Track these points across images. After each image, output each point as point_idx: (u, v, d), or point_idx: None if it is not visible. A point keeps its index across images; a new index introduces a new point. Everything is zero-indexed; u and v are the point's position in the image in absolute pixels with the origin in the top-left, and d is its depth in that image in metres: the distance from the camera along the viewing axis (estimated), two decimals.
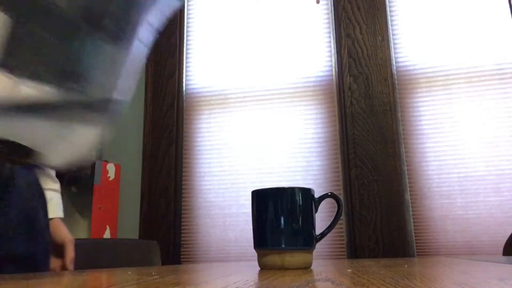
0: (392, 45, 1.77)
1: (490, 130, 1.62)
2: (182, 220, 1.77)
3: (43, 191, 0.74)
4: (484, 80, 1.66)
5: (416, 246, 1.58)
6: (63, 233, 0.77)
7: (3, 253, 0.63)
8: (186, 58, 1.94)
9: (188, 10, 1.99)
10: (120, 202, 1.77)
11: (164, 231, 1.74)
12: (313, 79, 1.81)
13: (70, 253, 0.82)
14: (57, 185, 0.78)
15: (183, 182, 1.81)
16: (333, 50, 1.81)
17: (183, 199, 1.80)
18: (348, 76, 1.75)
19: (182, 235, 1.76)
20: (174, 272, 0.50)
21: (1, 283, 0.37)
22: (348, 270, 0.46)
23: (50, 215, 0.75)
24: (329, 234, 0.58)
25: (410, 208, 1.61)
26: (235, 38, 1.91)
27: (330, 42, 1.83)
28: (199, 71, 1.92)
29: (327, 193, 0.59)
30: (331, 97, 1.78)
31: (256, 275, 0.42)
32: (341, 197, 1.65)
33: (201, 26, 1.96)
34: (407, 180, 1.64)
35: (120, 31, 0.44)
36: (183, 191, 1.81)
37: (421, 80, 1.72)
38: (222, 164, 1.79)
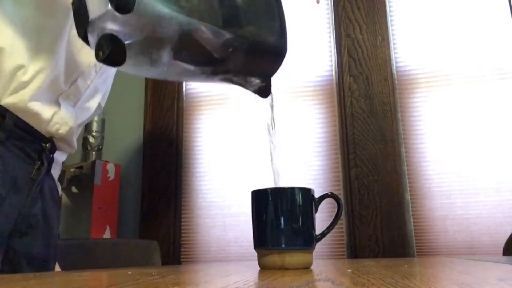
0: (392, 45, 1.77)
1: (490, 129, 1.62)
2: (182, 220, 1.77)
3: (60, 200, 0.77)
4: (484, 80, 1.66)
5: (416, 246, 1.58)
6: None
7: (21, 249, 0.65)
8: None
9: None
10: (120, 202, 1.77)
11: (164, 231, 1.74)
12: (313, 79, 1.81)
13: None
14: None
15: (183, 182, 1.81)
16: (333, 50, 1.81)
17: (183, 199, 1.80)
18: (348, 76, 1.75)
19: (182, 235, 1.76)
20: (174, 272, 0.50)
21: (1, 283, 0.37)
22: (348, 270, 0.46)
23: None
24: (329, 234, 0.58)
25: (410, 208, 1.61)
26: None
27: (330, 42, 1.83)
28: None
29: (327, 193, 0.59)
30: (331, 97, 1.78)
31: (256, 275, 0.42)
32: (341, 197, 1.65)
33: None
34: (407, 180, 1.64)
35: None
36: (183, 191, 1.80)
37: (421, 80, 1.72)
38: (222, 164, 1.79)
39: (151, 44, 0.47)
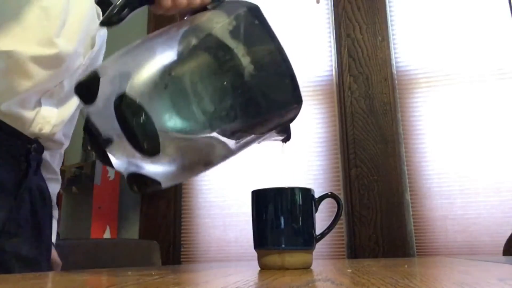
0: (392, 45, 1.77)
1: (490, 129, 1.62)
2: (182, 220, 1.77)
3: (51, 201, 0.76)
4: (484, 80, 1.66)
5: (416, 246, 1.58)
6: (54, 257, 0.79)
7: (11, 250, 0.64)
8: None
9: None
10: (120, 202, 1.77)
11: (164, 231, 1.74)
12: (313, 79, 1.81)
13: None
14: (56, 212, 0.80)
15: (183, 182, 1.81)
16: (333, 50, 1.81)
17: (183, 199, 1.80)
18: (348, 76, 1.75)
19: (182, 235, 1.76)
20: (174, 272, 0.50)
21: (1, 283, 0.37)
22: (348, 270, 0.46)
23: None
24: (329, 234, 0.58)
25: (410, 208, 1.61)
26: None
27: (330, 42, 1.83)
28: None
29: (327, 193, 0.59)
30: (331, 97, 1.78)
31: (256, 275, 0.42)
32: (341, 197, 1.65)
33: None
34: (407, 180, 1.64)
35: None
36: (183, 191, 1.80)
37: (421, 80, 1.72)
38: (222, 164, 1.79)
39: (175, 168, 0.49)
